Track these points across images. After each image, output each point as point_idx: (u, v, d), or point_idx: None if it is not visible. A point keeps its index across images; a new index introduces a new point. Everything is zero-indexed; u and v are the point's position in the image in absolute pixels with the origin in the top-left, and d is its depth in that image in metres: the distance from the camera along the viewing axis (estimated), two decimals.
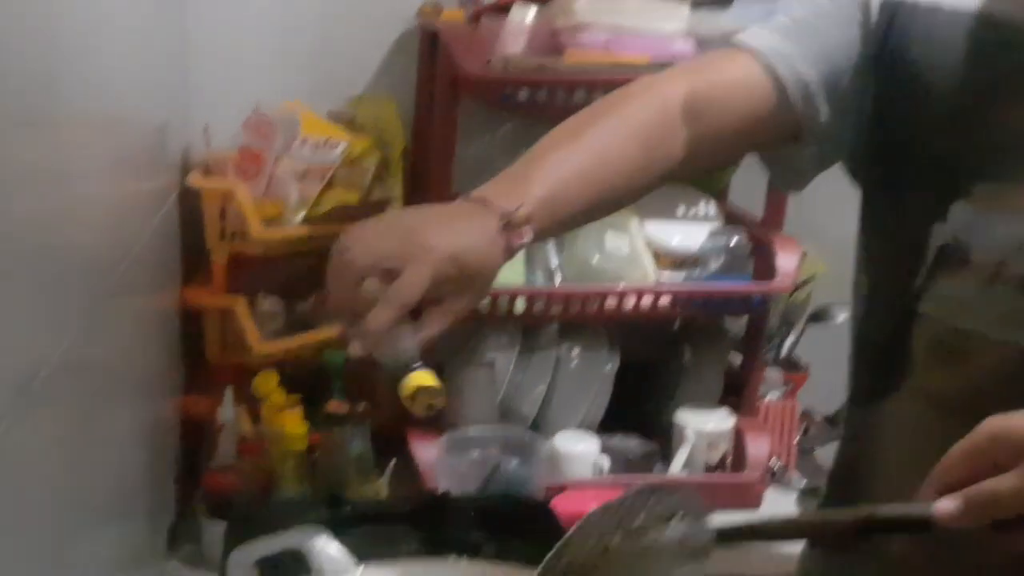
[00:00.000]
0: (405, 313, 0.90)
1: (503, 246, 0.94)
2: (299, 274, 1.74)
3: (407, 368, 0.92)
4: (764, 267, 1.63)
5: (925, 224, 0.94)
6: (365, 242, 0.94)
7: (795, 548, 1.19)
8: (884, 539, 0.97)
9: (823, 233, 1.50)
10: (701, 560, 0.84)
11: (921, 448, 0.83)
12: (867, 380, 1.04)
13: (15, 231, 0.77)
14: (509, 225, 0.95)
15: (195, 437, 1.61)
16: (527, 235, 0.95)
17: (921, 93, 0.96)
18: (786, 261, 1.61)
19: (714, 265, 1.63)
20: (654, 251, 1.66)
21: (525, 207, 0.95)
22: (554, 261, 1.65)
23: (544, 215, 0.97)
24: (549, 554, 0.86)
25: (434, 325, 0.94)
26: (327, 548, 1.02)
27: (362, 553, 1.09)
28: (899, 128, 0.98)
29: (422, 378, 0.91)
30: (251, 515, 1.27)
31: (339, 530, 1.27)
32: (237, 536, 1.16)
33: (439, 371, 1.49)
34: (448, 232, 0.93)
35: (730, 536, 0.86)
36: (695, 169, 1.10)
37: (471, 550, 1.21)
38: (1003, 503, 0.75)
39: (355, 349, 0.92)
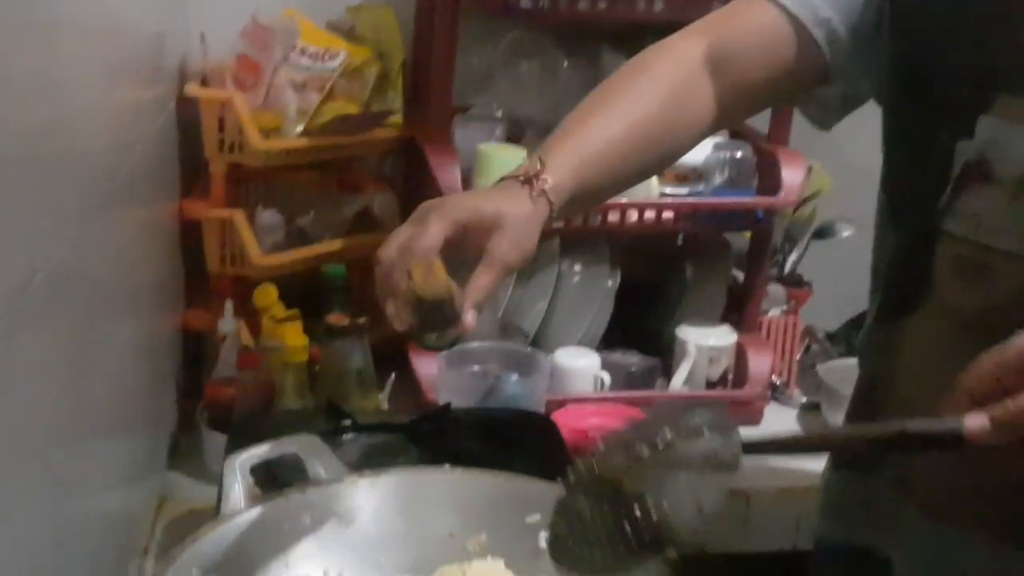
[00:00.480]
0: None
1: (527, 194, 0.96)
2: (299, 187, 1.72)
3: (447, 341, 0.93)
4: (769, 181, 1.61)
5: (951, 140, 0.93)
6: (388, 242, 0.96)
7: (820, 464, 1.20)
8: (907, 457, 0.98)
9: (829, 148, 1.47)
10: (729, 472, 0.84)
11: (943, 366, 0.82)
12: (889, 299, 1.03)
13: (9, 138, 0.76)
14: (527, 179, 0.97)
15: (196, 350, 1.61)
16: (547, 182, 0.96)
17: (944, 8, 0.95)
18: (791, 175, 1.59)
19: (718, 179, 1.61)
20: None
21: (544, 159, 0.98)
22: None
23: (569, 175, 0.99)
24: (578, 464, 0.86)
25: (484, 276, 0.95)
26: (323, 455, 1.02)
27: (361, 464, 1.09)
28: (923, 45, 0.97)
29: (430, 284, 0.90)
30: (252, 427, 1.27)
31: (339, 442, 1.28)
32: (238, 448, 1.16)
33: None
34: (461, 197, 1.00)
35: (757, 449, 0.86)
36: (727, 122, 1.13)
37: (471, 462, 1.21)
38: (989, 369, 0.76)
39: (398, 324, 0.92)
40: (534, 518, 0.98)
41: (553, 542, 0.87)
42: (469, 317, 0.93)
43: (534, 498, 0.96)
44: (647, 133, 1.04)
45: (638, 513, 0.84)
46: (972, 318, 0.92)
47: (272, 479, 1.05)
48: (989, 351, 0.77)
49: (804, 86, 1.06)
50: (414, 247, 0.92)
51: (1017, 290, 0.89)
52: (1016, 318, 0.79)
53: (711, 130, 1.09)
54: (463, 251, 0.95)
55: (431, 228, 0.93)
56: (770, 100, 1.18)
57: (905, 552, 1.01)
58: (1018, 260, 0.89)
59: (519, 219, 0.96)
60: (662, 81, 1.04)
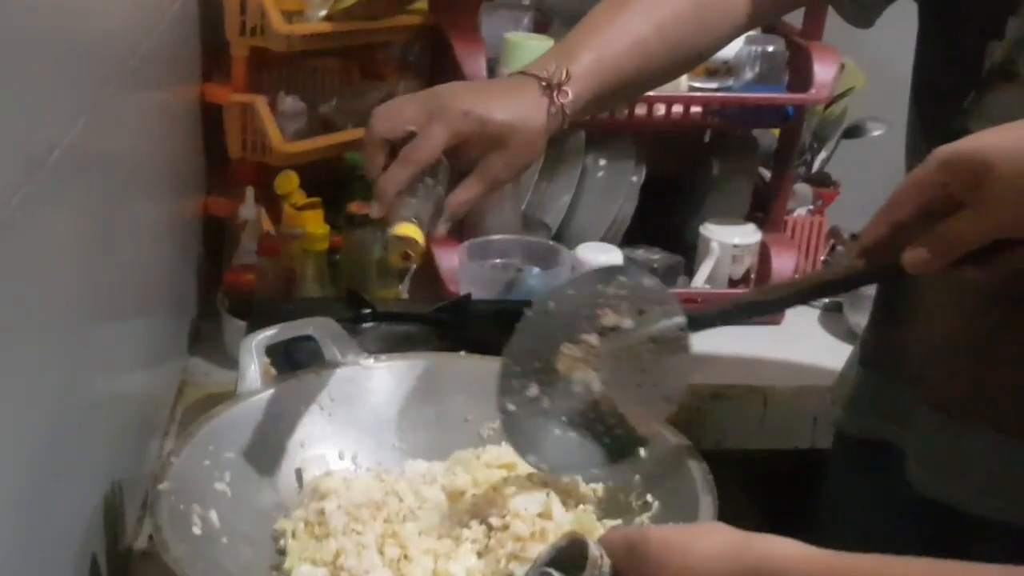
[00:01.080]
0: (418, 173, 0.91)
1: (545, 107, 0.94)
2: (321, 74, 1.70)
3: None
4: (800, 77, 1.57)
5: (981, 40, 0.92)
6: (389, 109, 0.95)
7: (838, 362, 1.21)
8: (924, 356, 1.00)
9: (864, 45, 1.43)
10: (684, 354, 0.84)
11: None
12: None
13: (27, 15, 0.75)
14: (549, 86, 0.95)
15: (217, 236, 1.61)
16: (568, 95, 0.95)
17: None
18: (824, 72, 1.55)
19: (749, 74, 1.58)
20: None
21: (569, 70, 0.95)
22: None
23: (592, 79, 0.97)
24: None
25: (468, 190, 0.94)
26: (339, 338, 1.02)
27: (380, 351, 1.09)
28: None
29: (407, 228, 0.89)
30: (271, 314, 1.27)
31: (358, 330, 1.28)
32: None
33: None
34: (473, 94, 0.94)
35: (701, 323, 0.88)
36: (759, 19, 1.11)
37: (490, 353, 1.21)
38: (967, 239, 0.77)
39: (373, 211, 0.92)
40: None
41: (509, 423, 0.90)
42: (440, 230, 0.94)
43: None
44: (675, 31, 1.02)
45: (611, 421, 0.86)
46: None
47: (288, 361, 1.06)
48: (909, 174, 0.79)
49: None
50: (410, 156, 0.91)
51: None
52: None
53: (743, 29, 1.08)
54: (458, 158, 0.95)
55: (430, 136, 0.91)
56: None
57: (918, 445, 1.02)
58: None
59: (527, 135, 0.94)
60: None
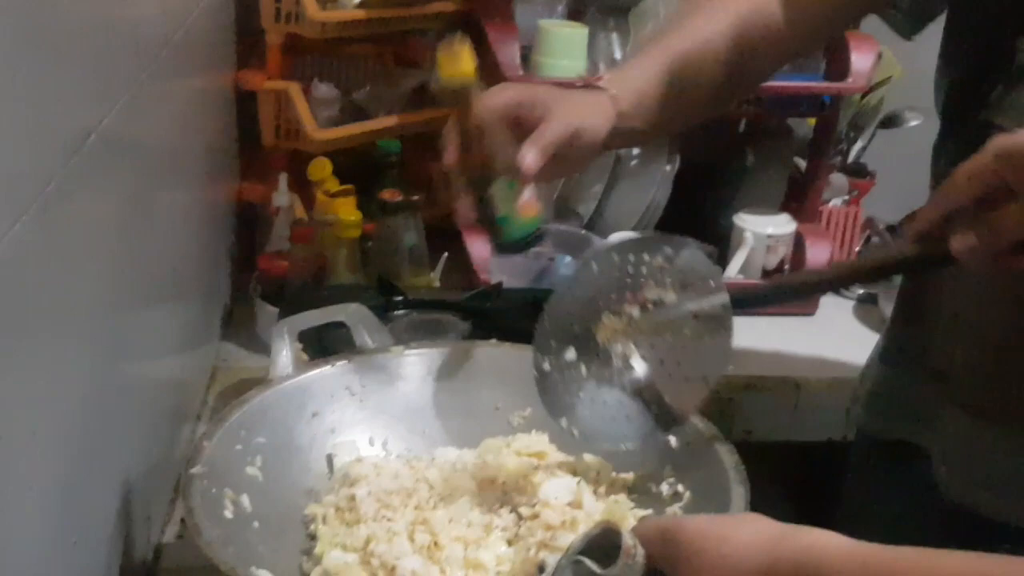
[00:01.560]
0: (544, 159, 0.96)
1: (610, 116, 1.00)
2: (355, 61, 1.70)
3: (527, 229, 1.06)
4: (837, 66, 1.56)
5: (1013, 35, 0.92)
6: (502, 91, 1.01)
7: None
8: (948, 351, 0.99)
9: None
10: (725, 333, 0.83)
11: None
12: None
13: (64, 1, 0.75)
14: (615, 98, 1.01)
15: (250, 222, 1.62)
16: (623, 103, 1.01)
17: None
18: (861, 61, 1.54)
19: None
20: None
21: (631, 86, 1.02)
22: (618, 53, 1.59)
23: (652, 96, 1.03)
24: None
25: (542, 132, 0.97)
26: (370, 325, 1.02)
27: (411, 339, 1.09)
28: None
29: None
30: (303, 300, 1.27)
31: (389, 317, 1.29)
32: None
33: None
34: (572, 104, 1.00)
35: (743, 302, 0.87)
36: (803, 48, 1.18)
37: (522, 340, 1.21)
38: (1018, 229, 0.75)
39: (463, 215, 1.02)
40: None
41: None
42: (529, 157, 0.95)
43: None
44: (716, 49, 1.04)
45: (647, 396, 0.85)
46: None
47: (321, 346, 1.06)
48: (964, 163, 0.78)
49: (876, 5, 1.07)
50: (538, 136, 0.96)
51: None
52: None
53: (787, 56, 1.12)
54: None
55: (557, 128, 0.97)
56: (843, 25, 1.19)
57: (945, 447, 1.01)
58: None
59: (595, 148, 1.01)
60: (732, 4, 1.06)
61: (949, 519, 0.99)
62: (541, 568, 0.62)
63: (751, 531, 0.62)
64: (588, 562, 0.61)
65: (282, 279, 1.46)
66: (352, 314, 1.03)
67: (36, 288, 0.70)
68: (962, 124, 0.98)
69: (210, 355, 1.42)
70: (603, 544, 0.62)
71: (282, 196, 1.53)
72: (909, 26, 1.08)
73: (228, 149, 1.57)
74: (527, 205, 1.06)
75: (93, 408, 0.85)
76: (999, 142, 0.75)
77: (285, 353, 0.97)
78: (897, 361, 1.09)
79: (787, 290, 0.92)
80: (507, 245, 1.14)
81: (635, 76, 1.03)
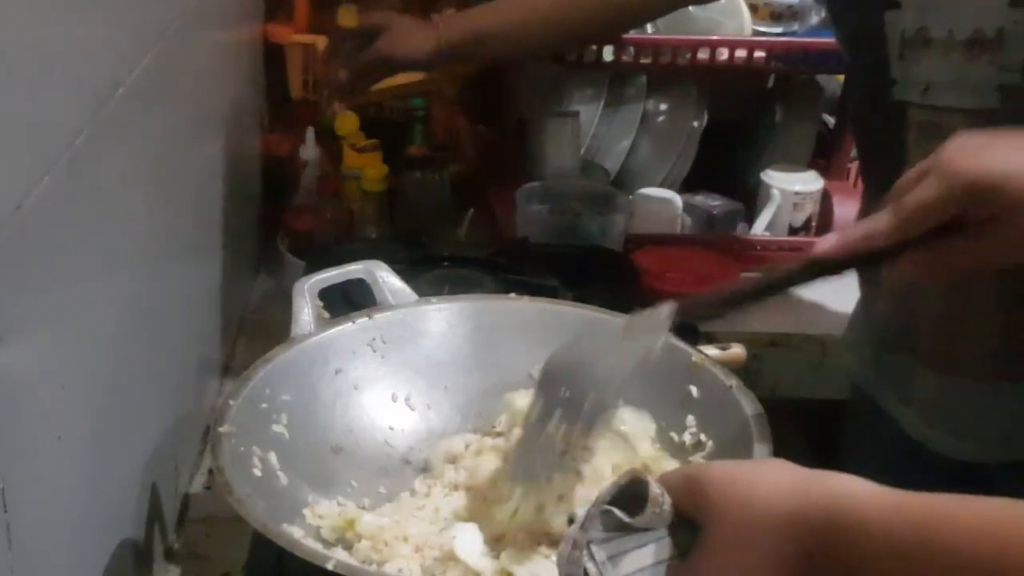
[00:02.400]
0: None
1: (430, 48, 1.27)
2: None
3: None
4: None
5: (879, 12, 0.95)
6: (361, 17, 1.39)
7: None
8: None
9: None
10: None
11: None
12: (874, 174, 1.07)
13: None
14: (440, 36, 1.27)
15: (278, 175, 1.62)
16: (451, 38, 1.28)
17: None
18: None
19: (814, 18, 1.55)
20: (751, 2, 1.58)
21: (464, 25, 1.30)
22: None
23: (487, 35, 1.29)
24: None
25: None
26: (390, 280, 1.03)
27: (437, 294, 1.10)
28: None
29: None
30: (330, 254, 1.28)
31: (415, 272, 1.29)
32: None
33: (521, 123, 1.53)
34: (396, 34, 1.28)
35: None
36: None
37: (547, 295, 1.21)
38: (967, 264, 0.75)
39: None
40: None
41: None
42: (340, 74, 1.32)
43: (604, 330, 0.96)
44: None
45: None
46: None
47: (347, 301, 1.06)
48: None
49: None
50: None
51: None
52: None
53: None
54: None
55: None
56: None
57: (916, 399, 1.05)
58: (966, 113, 0.90)
59: (401, 36, 1.28)
60: None
61: (936, 469, 1.03)
62: (571, 519, 0.62)
63: (777, 476, 0.61)
64: (616, 511, 0.62)
65: (309, 233, 1.47)
66: (372, 270, 1.03)
67: (65, 241, 0.70)
68: (874, 106, 1.01)
69: (238, 307, 1.44)
70: (631, 493, 0.63)
71: (309, 150, 1.53)
72: None
73: (256, 102, 1.57)
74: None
75: (122, 361, 0.86)
76: (966, 174, 0.72)
77: (307, 311, 0.98)
78: (868, 336, 1.13)
79: (727, 306, 0.92)
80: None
81: (470, 17, 1.34)
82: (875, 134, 1.06)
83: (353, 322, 0.99)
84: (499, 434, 0.95)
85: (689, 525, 0.62)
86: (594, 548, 0.61)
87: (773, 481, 0.61)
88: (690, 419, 0.92)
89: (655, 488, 0.62)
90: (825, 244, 0.77)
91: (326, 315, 1.00)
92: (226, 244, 1.32)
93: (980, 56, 0.90)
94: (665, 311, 0.82)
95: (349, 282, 1.04)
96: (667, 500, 0.62)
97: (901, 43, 0.94)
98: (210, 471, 1.13)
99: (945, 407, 1.03)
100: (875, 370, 1.13)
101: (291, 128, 1.61)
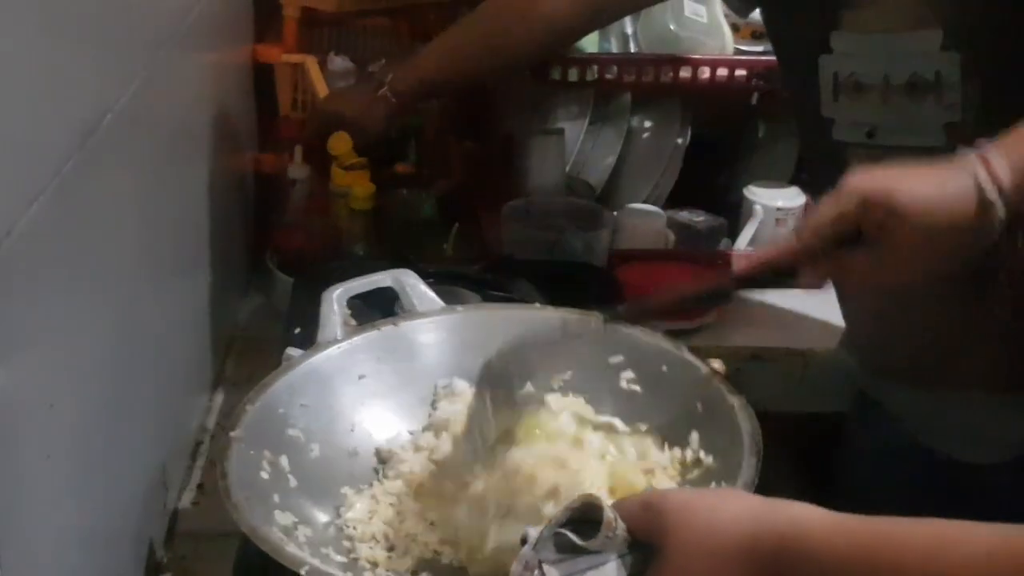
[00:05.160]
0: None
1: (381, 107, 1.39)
2: (371, 34, 1.72)
3: None
4: None
5: (812, 56, 1.00)
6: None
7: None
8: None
9: None
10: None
11: None
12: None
13: None
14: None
15: (267, 193, 1.64)
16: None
17: None
18: None
19: None
20: (733, 21, 1.60)
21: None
22: (629, 28, 1.60)
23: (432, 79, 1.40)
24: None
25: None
26: (417, 286, 1.05)
27: None
28: None
29: None
30: (318, 271, 1.30)
31: None
32: (305, 290, 1.20)
33: (507, 140, 1.54)
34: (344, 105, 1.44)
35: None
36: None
37: None
38: (828, 224, 0.82)
39: None
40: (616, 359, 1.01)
41: None
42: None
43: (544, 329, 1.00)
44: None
45: None
46: None
47: (375, 310, 1.08)
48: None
49: None
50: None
51: None
52: None
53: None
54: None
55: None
56: None
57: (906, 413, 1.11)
58: (909, 151, 0.93)
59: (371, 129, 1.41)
60: None
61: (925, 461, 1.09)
62: (524, 539, 0.64)
63: (733, 505, 0.64)
64: (569, 534, 0.63)
65: (298, 250, 1.49)
66: (399, 278, 1.05)
67: (54, 264, 0.72)
68: (817, 144, 1.08)
69: (228, 324, 1.45)
70: (584, 517, 0.64)
71: (298, 168, 1.55)
72: (744, 6, 1.23)
73: (245, 121, 1.59)
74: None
75: (111, 379, 0.87)
76: (861, 189, 0.80)
77: (333, 319, 1.00)
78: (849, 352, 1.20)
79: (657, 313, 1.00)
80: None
81: (413, 67, 1.40)
82: (820, 168, 1.11)
83: (379, 329, 1.01)
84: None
85: (642, 550, 0.64)
86: (547, 568, 0.63)
87: (730, 509, 0.63)
88: (694, 436, 0.93)
89: (609, 513, 0.63)
90: (744, 261, 0.84)
91: (352, 322, 1.02)
92: (215, 262, 1.33)
93: (923, 98, 0.95)
94: (600, 316, 0.91)
95: (372, 293, 1.07)
96: (621, 526, 0.63)
97: (835, 86, 0.99)
98: (199, 486, 1.15)
99: (933, 419, 1.07)
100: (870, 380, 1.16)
101: (280, 145, 1.62)
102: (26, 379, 0.67)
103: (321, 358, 0.97)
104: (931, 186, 0.80)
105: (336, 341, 0.99)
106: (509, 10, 1.37)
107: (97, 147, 0.79)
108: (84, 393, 0.81)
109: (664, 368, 0.98)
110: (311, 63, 1.56)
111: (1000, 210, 0.79)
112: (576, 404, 0.97)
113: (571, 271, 1.44)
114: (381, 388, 1.00)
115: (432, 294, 1.06)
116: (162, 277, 1.06)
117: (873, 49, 0.97)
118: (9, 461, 0.65)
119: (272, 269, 1.49)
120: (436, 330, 1.03)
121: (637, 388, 0.99)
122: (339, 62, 1.61)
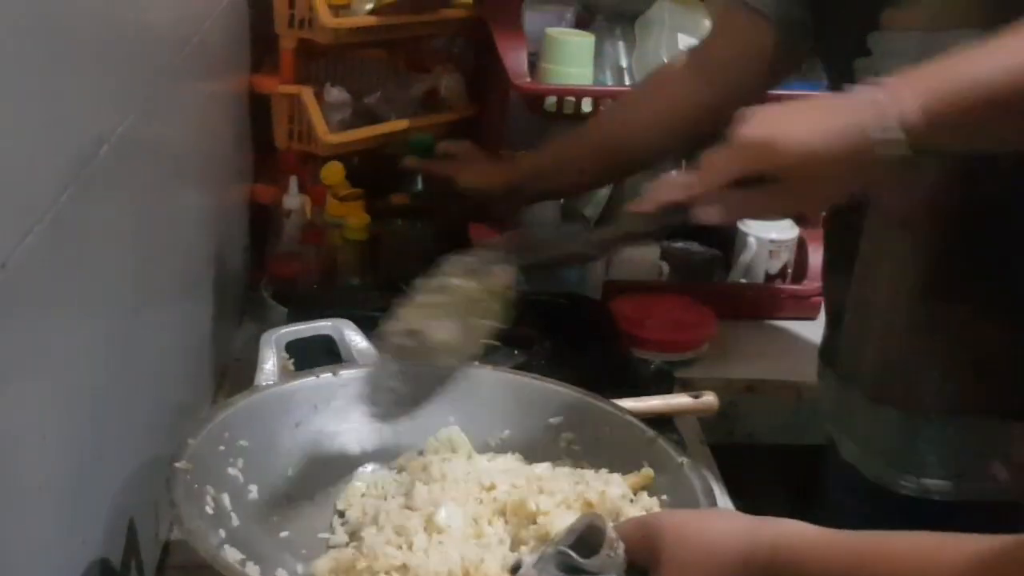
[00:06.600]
0: None
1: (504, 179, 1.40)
2: (367, 65, 1.73)
3: None
4: None
5: (849, 60, 1.02)
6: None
7: None
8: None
9: None
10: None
11: (882, 253, 1.03)
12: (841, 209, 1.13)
13: (76, 8, 0.77)
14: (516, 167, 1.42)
15: (263, 223, 1.64)
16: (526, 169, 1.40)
17: None
18: None
19: None
20: None
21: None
22: (624, 61, 1.61)
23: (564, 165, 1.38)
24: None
25: None
26: (355, 339, 1.05)
27: None
28: None
29: None
30: (312, 302, 1.30)
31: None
32: (299, 320, 1.20)
33: None
34: (472, 170, 1.42)
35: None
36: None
37: (524, 344, 1.24)
38: (719, 167, 0.89)
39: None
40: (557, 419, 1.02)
41: None
42: None
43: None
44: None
45: None
46: (906, 215, 1.02)
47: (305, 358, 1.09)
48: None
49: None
50: None
51: (932, 186, 0.99)
52: (931, 214, 0.97)
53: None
54: None
55: None
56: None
57: (853, 432, 1.12)
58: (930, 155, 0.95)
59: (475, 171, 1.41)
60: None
61: (872, 495, 1.09)
62: (516, 568, 0.65)
63: (726, 523, 0.67)
64: (571, 553, 0.64)
65: (292, 280, 1.49)
66: (338, 327, 1.05)
67: (48, 295, 0.72)
68: None
69: (222, 353, 1.45)
70: (587, 537, 0.65)
71: (293, 198, 1.56)
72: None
73: (241, 152, 1.60)
74: None
75: (103, 411, 0.87)
76: (746, 139, 0.86)
77: (271, 362, 1.00)
78: (823, 365, 1.19)
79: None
80: None
81: (534, 155, 1.39)
82: None
83: (317, 376, 1.01)
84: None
85: (640, 573, 0.65)
86: None
87: (723, 527, 0.66)
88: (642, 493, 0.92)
89: (611, 532, 0.64)
90: (641, 201, 0.93)
91: (291, 367, 1.03)
92: (210, 291, 1.34)
93: None
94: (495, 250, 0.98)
95: (314, 339, 1.07)
96: (621, 546, 0.65)
97: None
98: None
99: (884, 440, 1.07)
100: (828, 405, 1.17)
101: (276, 177, 1.63)
102: (19, 410, 0.67)
103: (258, 400, 0.98)
104: (812, 130, 0.84)
105: (273, 385, 1.00)
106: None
107: (93, 177, 0.80)
108: (77, 424, 0.80)
109: (607, 429, 0.99)
110: (307, 94, 1.57)
111: (897, 145, 0.82)
112: (510, 462, 0.98)
113: (564, 303, 1.44)
114: (317, 436, 1.00)
115: (369, 346, 1.06)
116: (157, 306, 1.06)
117: (912, 48, 0.95)
118: (1, 493, 0.65)
119: (266, 298, 1.49)
120: (369, 382, 0.99)
121: (577, 448, 1.00)
122: (335, 93, 1.62)
